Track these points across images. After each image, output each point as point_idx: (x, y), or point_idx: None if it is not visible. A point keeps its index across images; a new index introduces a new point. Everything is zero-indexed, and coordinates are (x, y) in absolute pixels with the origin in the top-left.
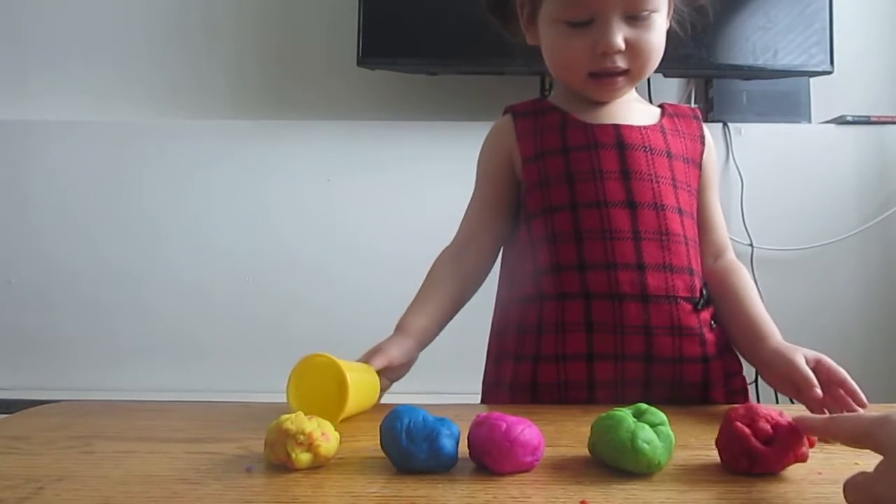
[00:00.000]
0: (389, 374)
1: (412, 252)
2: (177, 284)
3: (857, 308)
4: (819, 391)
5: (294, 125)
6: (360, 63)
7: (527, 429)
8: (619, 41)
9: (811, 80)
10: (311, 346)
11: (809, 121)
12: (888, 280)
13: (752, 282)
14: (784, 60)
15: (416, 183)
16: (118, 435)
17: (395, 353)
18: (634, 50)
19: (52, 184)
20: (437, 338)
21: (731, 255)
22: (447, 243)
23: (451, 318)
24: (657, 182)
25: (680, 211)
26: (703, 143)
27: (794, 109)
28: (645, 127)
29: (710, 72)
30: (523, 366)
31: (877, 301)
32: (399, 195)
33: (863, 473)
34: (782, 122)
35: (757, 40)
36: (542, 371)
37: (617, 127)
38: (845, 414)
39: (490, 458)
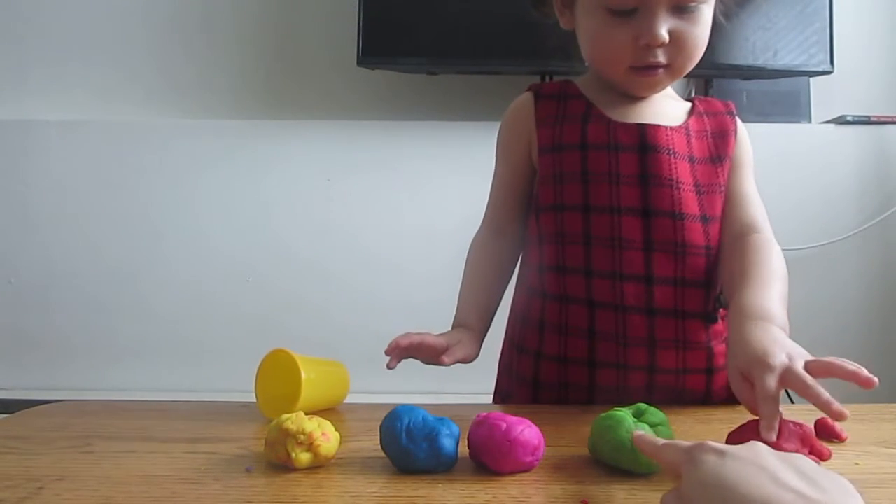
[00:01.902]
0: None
1: (412, 252)
2: (176, 284)
3: (857, 308)
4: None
5: (294, 125)
6: (360, 63)
7: (527, 429)
8: (664, 33)
9: (811, 79)
10: (310, 346)
11: (809, 121)
12: (888, 280)
13: (770, 263)
14: (784, 60)
15: (415, 183)
16: (118, 435)
17: (470, 353)
18: (678, 44)
19: (52, 184)
20: None
21: (761, 235)
22: (447, 243)
23: (499, 303)
24: (678, 188)
25: (704, 219)
26: (735, 136)
27: (794, 109)
28: (670, 128)
29: (710, 71)
30: (524, 358)
31: (877, 301)
32: (399, 195)
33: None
34: (782, 122)
35: (757, 40)
36: (544, 369)
37: (641, 127)
38: (675, 442)
39: (490, 457)
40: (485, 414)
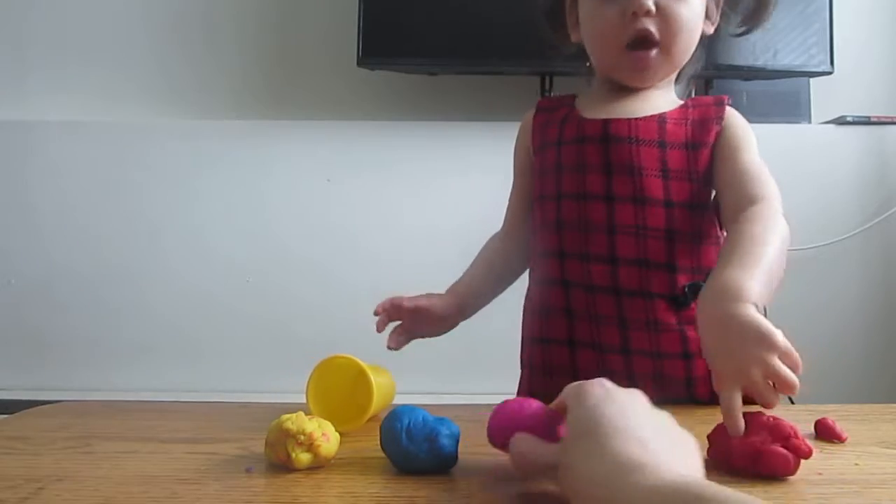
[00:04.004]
0: (426, 327)
1: (412, 252)
2: (177, 284)
3: (857, 308)
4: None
5: (294, 125)
6: (360, 63)
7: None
8: (649, 2)
9: (811, 80)
10: (310, 347)
11: (809, 121)
12: (888, 280)
13: (758, 231)
14: (784, 61)
15: (416, 183)
16: (118, 435)
17: (435, 302)
18: (664, 15)
19: (52, 184)
20: (438, 339)
21: (755, 206)
22: (447, 244)
23: (496, 291)
24: (640, 175)
25: (668, 204)
26: (718, 125)
27: (794, 110)
28: (637, 119)
29: (710, 72)
30: (525, 347)
31: (877, 301)
32: (399, 195)
33: (537, 441)
34: (782, 123)
35: (757, 40)
36: (533, 352)
37: (605, 121)
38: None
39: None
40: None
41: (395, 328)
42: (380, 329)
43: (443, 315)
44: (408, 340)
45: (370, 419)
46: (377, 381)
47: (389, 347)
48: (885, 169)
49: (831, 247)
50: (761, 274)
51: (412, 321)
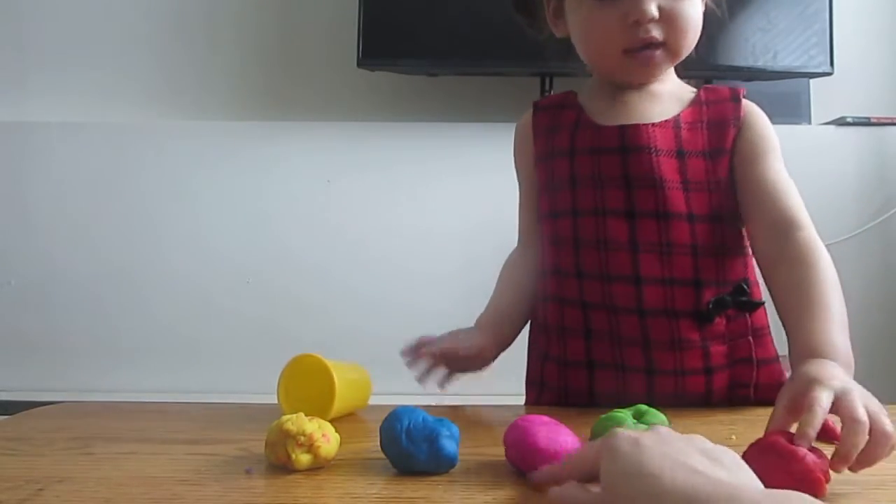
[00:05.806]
0: (461, 365)
1: (412, 253)
2: (177, 285)
3: (857, 308)
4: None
5: (294, 125)
6: (360, 64)
7: (569, 437)
8: (653, 8)
9: (811, 81)
10: (310, 348)
11: (809, 122)
12: (888, 281)
13: (823, 277)
14: (784, 62)
15: (416, 183)
16: (118, 436)
17: (461, 342)
18: (669, 18)
19: (52, 184)
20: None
21: (798, 234)
22: (447, 245)
23: (531, 310)
24: (662, 188)
25: (690, 218)
26: (736, 126)
27: (794, 111)
28: (654, 125)
29: (710, 73)
30: (534, 362)
31: (877, 301)
32: (399, 196)
33: (579, 487)
34: (782, 124)
35: (757, 41)
36: (548, 371)
37: (622, 128)
38: (578, 452)
39: (525, 463)
40: (524, 418)
41: (430, 367)
42: (419, 379)
43: (469, 355)
44: (450, 377)
45: (360, 419)
46: (342, 378)
47: (439, 386)
48: (885, 170)
49: (831, 248)
50: (842, 325)
51: (445, 362)
